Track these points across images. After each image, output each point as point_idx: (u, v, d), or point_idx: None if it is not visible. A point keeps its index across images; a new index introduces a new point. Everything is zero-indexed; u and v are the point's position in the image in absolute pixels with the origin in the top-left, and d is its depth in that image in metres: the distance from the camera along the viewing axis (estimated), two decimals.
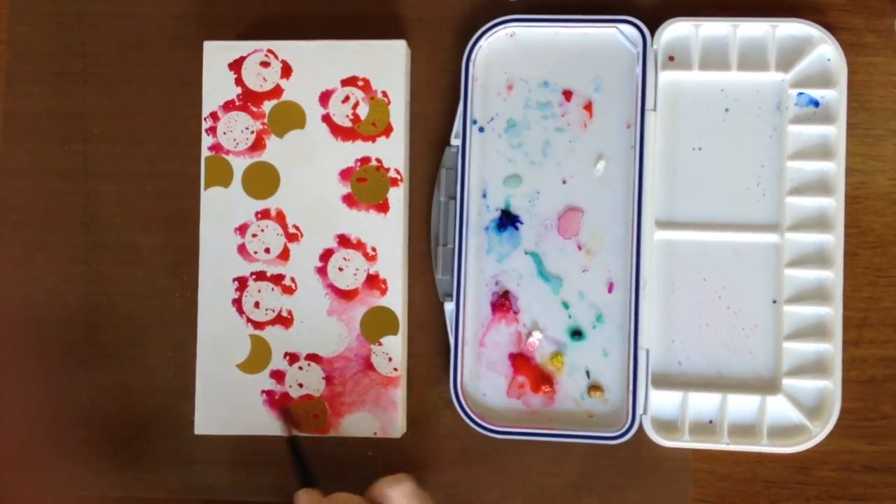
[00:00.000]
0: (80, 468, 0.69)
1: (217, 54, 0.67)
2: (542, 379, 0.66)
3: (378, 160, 0.66)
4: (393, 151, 0.66)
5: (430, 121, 0.68)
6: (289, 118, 0.67)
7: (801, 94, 0.65)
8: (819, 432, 0.64)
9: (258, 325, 0.66)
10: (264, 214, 0.66)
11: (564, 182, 0.66)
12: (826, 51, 0.65)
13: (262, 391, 0.66)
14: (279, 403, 0.66)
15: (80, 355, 0.69)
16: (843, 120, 0.64)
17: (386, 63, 0.66)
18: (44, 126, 0.70)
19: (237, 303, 0.66)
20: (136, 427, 0.68)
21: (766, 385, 0.65)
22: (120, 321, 0.69)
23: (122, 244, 0.69)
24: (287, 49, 0.67)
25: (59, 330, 0.69)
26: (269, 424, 0.66)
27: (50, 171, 0.70)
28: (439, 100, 0.68)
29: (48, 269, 0.69)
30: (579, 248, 0.66)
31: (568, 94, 0.67)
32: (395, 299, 0.66)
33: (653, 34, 0.65)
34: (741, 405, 0.64)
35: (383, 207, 0.66)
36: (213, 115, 0.67)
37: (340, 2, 0.68)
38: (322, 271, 0.66)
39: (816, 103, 0.65)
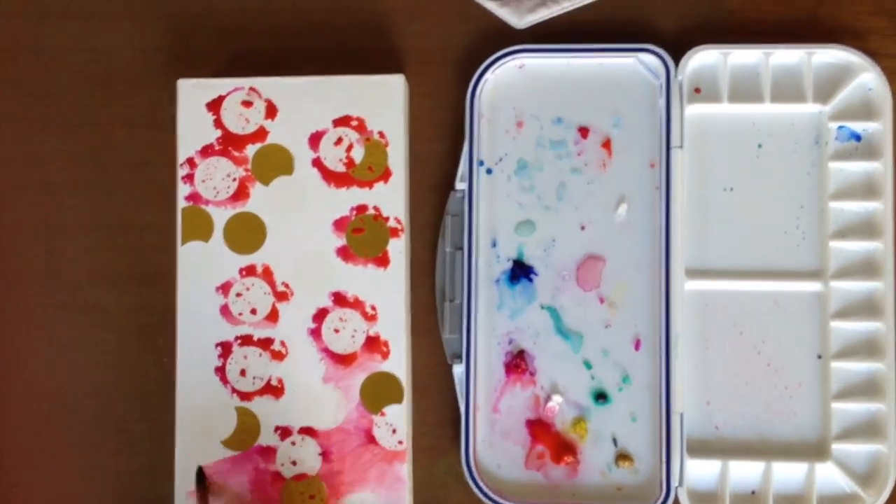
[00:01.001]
0: None
1: (193, 93, 0.61)
2: (563, 448, 0.60)
3: (376, 208, 0.60)
4: (392, 198, 0.60)
5: (433, 163, 0.63)
6: (275, 163, 0.61)
7: (841, 127, 0.61)
8: (874, 502, 0.59)
9: (245, 396, 0.60)
10: (249, 271, 0.60)
11: (583, 228, 0.61)
12: (868, 79, 0.60)
13: (251, 470, 0.59)
14: (273, 483, 0.59)
15: (42, 433, 0.63)
16: (889, 155, 0.60)
17: (382, 100, 0.60)
18: None
19: (220, 371, 0.60)
20: None
21: (814, 450, 0.60)
22: (87, 393, 0.63)
23: (88, 306, 0.64)
24: (272, 86, 0.61)
25: (16, 405, 0.63)
26: None
27: (7, 224, 0.64)
28: (442, 140, 0.63)
29: (4, 336, 0.64)
30: (601, 300, 0.61)
31: (584, 131, 0.62)
32: (399, 363, 0.60)
33: (677, 64, 0.61)
34: (787, 473, 0.59)
35: (383, 261, 0.60)
36: (190, 161, 0.61)
37: (330, 33, 0.64)
38: (316, 334, 0.60)
39: (858, 137, 0.60)
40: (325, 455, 0.59)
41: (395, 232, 0.60)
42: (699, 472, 0.60)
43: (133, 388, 0.63)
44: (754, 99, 0.61)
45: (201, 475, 0.59)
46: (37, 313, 0.64)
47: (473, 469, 0.60)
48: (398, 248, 0.60)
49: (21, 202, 0.64)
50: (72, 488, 0.63)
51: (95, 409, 0.63)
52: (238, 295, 0.60)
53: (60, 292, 0.64)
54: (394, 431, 0.59)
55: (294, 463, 0.59)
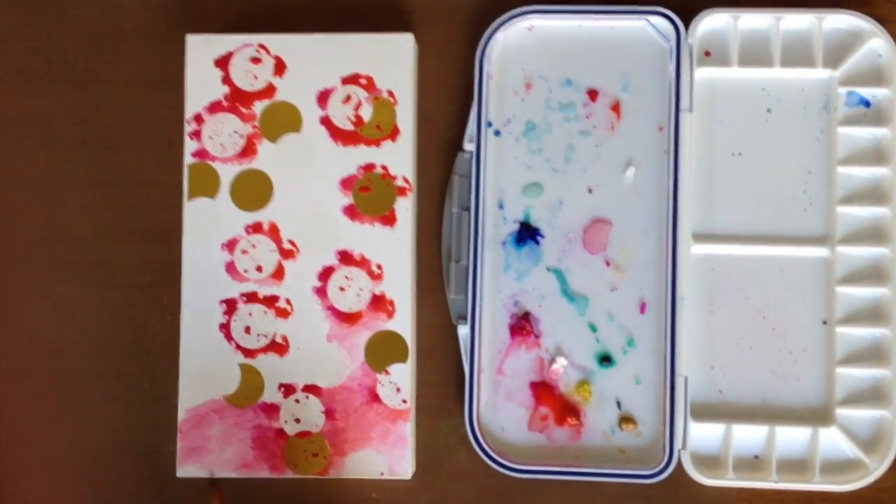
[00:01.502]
0: None
1: (201, 49, 0.61)
2: (567, 410, 0.60)
3: (383, 167, 0.60)
4: (400, 157, 0.60)
5: (441, 123, 0.62)
6: (283, 120, 0.60)
7: (850, 92, 0.60)
8: (877, 468, 0.59)
9: (249, 353, 0.60)
10: (256, 228, 0.60)
11: (590, 191, 0.61)
12: (877, 45, 0.60)
13: (254, 427, 0.59)
14: (276, 440, 0.59)
15: (45, 389, 0.63)
16: None
17: (391, 59, 0.60)
18: (2, 130, 0.64)
19: (225, 328, 0.60)
20: (110, 469, 0.62)
21: (818, 415, 0.59)
22: (91, 350, 0.63)
23: (92, 262, 0.63)
24: (281, 43, 0.60)
25: (19, 361, 0.63)
26: (261, 466, 0.59)
27: (9, 180, 0.64)
28: (451, 100, 0.62)
29: (6, 293, 0.63)
30: (607, 264, 0.60)
31: (593, 94, 0.61)
32: (404, 322, 0.59)
33: (687, 27, 0.60)
34: (790, 438, 0.59)
35: (389, 220, 0.60)
36: (198, 118, 0.60)
37: None
38: (321, 292, 0.59)
39: (868, 103, 0.60)
40: (328, 413, 0.59)
41: (402, 191, 0.60)
42: (702, 435, 0.59)
43: (137, 346, 0.62)
44: (764, 63, 0.60)
45: (215, 485, 0.58)
46: (40, 270, 0.63)
47: (477, 430, 0.60)
48: (405, 207, 0.60)
49: (25, 158, 0.63)
50: (74, 444, 0.62)
51: (99, 366, 0.62)
52: (244, 252, 0.60)
53: (64, 249, 0.63)
54: (398, 390, 0.59)
55: (297, 420, 0.59)
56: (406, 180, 0.60)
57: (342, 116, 0.60)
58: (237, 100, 0.60)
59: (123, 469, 0.62)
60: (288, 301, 0.60)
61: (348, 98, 0.60)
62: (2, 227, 0.63)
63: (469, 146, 0.61)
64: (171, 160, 0.62)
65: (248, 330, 0.60)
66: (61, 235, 0.63)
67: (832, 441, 0.59)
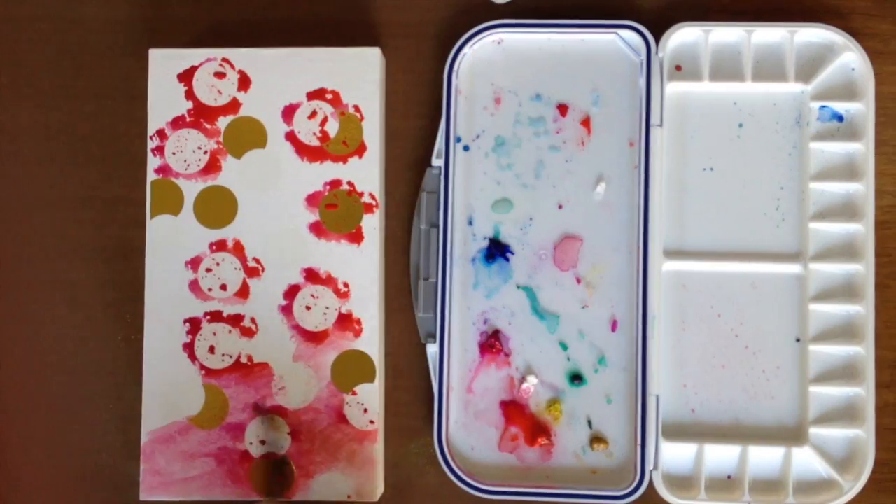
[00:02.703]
0: None
1: (165, 64, 0.60)
2: (537, 430, 0.59)
3: (350, 183, 0.59)
4: (367, 173, 0.59)
5: (409, 139, 0.61)
6: (247, 136, 0.59)
7: (823, 107, 0.60)
8: (851, 487, 0.58)
9: (213, 374, 0.59)
10: (220, 246, 0.59)
11: (560, 207, 0.60)
12: (850, 59, 0.59)
13: (219, 449, 0.58)
14: (241, 462, 0.58)
15: (8, 408, 0.61)
16: (871, 136, 0.59)
17: (358, 73, 0.59)
18: None
19: (189, 347, 0.59)
20: (74, 490, 0.61)
21: (791, 435, 0.59)
22: (54, 369, 0.62)
23: (56, 280, 0.62)
24: (245, 57, 0.60)
25: None
26: (226, 488, 0.57)
27: None
28: (418, 115, 0.61)
29: None
30: (578, 281, 0.60)
31: (563, 109, 0.60)
32: (371, 342, 0.58)
33: (657, 41, 0.60)
34: (763, 458, 0.59)
35: (356, 237, 0.59)
36: (161, 133, 0.59)
37: (305, 5, 0.62)
38: (287, 310, 0.58)
39: (840, 118, 0.59)
40: (294, 434, 0.58)
41: (369, 208, 0.59)
42: (674, 455, 0.59)
43: (100, 365, 0.61)
44: (735, 77, 0.60)
45: (281, 465, 0.57)
46: (3, 287, 0.62)
47: (446, 450, 0.59)
48: (372, 225, 0.59)
49: None
50: (37, 464, 0.61)
51: (62, 385, 0.61)
52: (208, 270, 0.59)
53: (27, 267, 0.62)
54: (365, 411, 0.58)
55: (263, 442, 0.58)
56: (373, 196, 0.59)
57: (308, 132, 0.59)
58: (201, 115, 0.60)
59: (87, 491, 0.61)
60: (253, 320, 0.59)
61: (314, 113, 0.59)
62: None
63: (437, 162, 0.60)
64: (134, 176, 0.61)
65: (212, 350, 0.59)
66: (24, 253, 0.62)
67: (806, 461, 0.58)
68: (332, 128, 0.59)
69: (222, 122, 0.60)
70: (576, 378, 0.59)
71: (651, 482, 0.58)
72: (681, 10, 0.61)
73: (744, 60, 0.60)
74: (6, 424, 0.61)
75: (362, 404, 0.58)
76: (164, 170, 0.60)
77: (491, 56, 0.61)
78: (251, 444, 0.58)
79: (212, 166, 0.59)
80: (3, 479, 0.61)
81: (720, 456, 0.58)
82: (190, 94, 0.60)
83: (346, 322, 0.59)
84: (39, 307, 0.62)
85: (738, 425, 0.59)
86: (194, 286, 0.59)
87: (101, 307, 0.62)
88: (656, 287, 0.59)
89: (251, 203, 0.59)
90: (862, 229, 0.58)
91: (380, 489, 0.58)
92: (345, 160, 0.59)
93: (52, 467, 0.61)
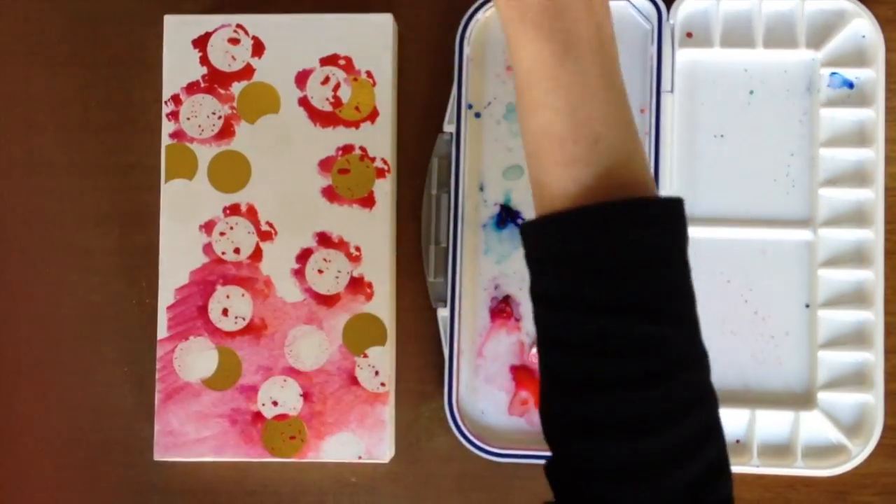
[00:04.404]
0: (24, 496, 0.62)
1: (179, 30, 0.60)
2: None
3: (362, 149, 0.59)
4: (379, 139, 0.59)
5: (421, 105, 0.62)
6: (261, 102, 0.60)
7: (833, 74, 0.60)
8: (859, 452, 0.58)
9: (227, 336, 0.59)
10: (233, 210, 0.59)
11: None
12: (861, 26, 0.60)
13: (232, 410, 0.58)
14: (254, 423, 0.58)
15: (25, 371, 0.62)
16: (882, 102, 0.59)
17: (370, 39, 0.60)
18: None
19: (203, 310, 0.59)
20: (88, 451, 0.62)
21: (800, 400, 0.59)
22: (70, 333, 0.62)
23: (71, 246, 0.63)
24: (259, 24, 0.60)
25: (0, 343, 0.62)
26: (238, 449, 0.58)
27: None
28: (431, 82, 0.62)
29: None
30: None
31: None
32: (382, 305, 0.59)
33: (669, 8, 0.60)
34: (772, 423, 0.59)
35: (368, 202, 0.59)
36: (175, 99, 0.60)
37: None
38: (299, 274, 0.59)
39: (851, 84, 0.60)
40: (306, 396, 0.59)
41: (381, 173, 0.60)
42: None
43: (115, 328, 0.62)
44: (746, 44, 0.60)
45: None
46: (18, 255, 0.63)
47: (456, 414, 0.59)
48: (384, 189, 0.59)
49: (4, 140, 0.63)
50: (52, 428, 0.62)
51: (77, 348, 0.62)
52: (222, 234, 0.60)
53: (43, 233, 0.63)
54: (376, 373, 0.59)
55: (275, 403, 0.59)
56: (385, 162, 0.60)
57: (321, 97, 0.60)
58: (215, 81, 0.60)
59: (101, 452, 0.61)
60: (266, 283, 0.59)
61: (327, 79, 0.60)
62: None
63: (449, 128, 0.60)
64: (149, 142, 0.62)
65: (225, 312, 0.59)
66: (40, 220, 0.63)
67: (814, 425, 0.58)
68: (345, 93, 0.60)
69: (236, 88, 0.60)
70: None
71: None
72: None
73: (754, 27, 0.60)
74: (22, 387, 0.62)
75: (373, 367, 0.59)
76: (178, 135, 0.60)
77: None
78: (264, 405, 0.59)
79: (226, 131, 0.60)
80: (19, 442, 0.62)
81: (729, 421, 0.58)
82: (204, 60, 0.60)
83: (358, 286, 0.59)
84: (55, 272, 0.62)
85: (748, 390, 0.59)
86: (208, 250, 0.60)
87: (115, 272, 0.62)
88: None
89: (264, 168, 0.60)
90: (872, 195, 0.59)
91: (390, 451, 0.59)
92: (357, 125, 0.60)
93: (68, 430, 0.62)
